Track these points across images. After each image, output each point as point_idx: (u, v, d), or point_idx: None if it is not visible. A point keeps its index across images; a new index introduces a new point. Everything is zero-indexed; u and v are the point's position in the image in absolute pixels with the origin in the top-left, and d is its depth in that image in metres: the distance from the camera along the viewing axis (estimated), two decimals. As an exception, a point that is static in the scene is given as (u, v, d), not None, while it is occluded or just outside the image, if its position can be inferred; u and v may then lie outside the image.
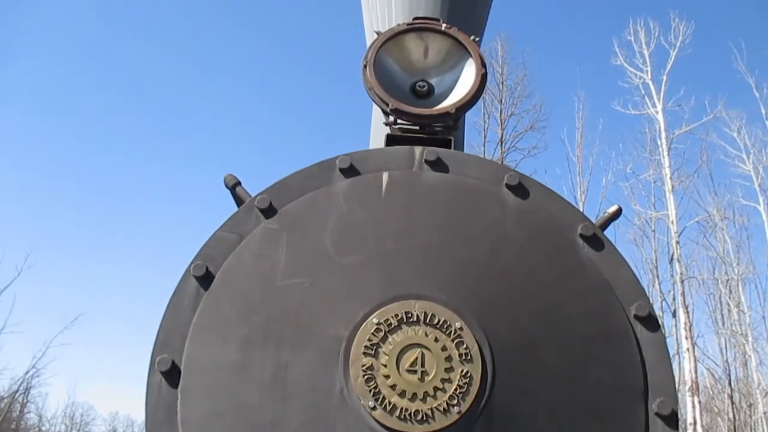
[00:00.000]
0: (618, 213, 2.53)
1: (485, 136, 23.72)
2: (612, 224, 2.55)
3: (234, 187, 2.52)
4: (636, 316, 2.19)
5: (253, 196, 2.40)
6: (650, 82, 22.46)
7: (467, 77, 2.66)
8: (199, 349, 2.13)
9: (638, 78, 22.86)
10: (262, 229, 2.32)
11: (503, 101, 23.83)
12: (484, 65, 2.63)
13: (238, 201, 2.55)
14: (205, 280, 2.25)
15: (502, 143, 23.50)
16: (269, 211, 2.35)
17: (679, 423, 2.09)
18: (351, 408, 1.94)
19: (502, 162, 23.05)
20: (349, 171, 2.42)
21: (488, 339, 2.03)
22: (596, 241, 2.32)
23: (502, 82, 24.14)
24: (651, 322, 2.20)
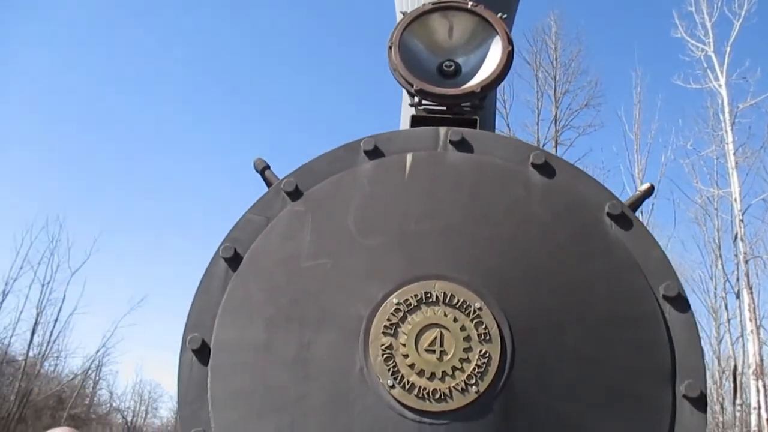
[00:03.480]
0: (650, 191, 2.46)
1: (539, 115, 23.23)
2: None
3: (263, 170, 2.57)
4: (665, 297, 2.14)
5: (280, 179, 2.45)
6: (713, 55, 21.39)
7: (494, 55, 2.63)
8: (228, 329, 2.21)
9: (700, 50, 21.79)
10: (289, 212, 2.36)
11: (557, 78, 23.22)
12: (510, 42, 2.58)
13: (268, 184, 2.61)
14: (234, 261, 2.32)
15: (556, 122, 22.96)
16: (295, 194, 2.39)
17: (708, 404, 2.03)
18: (370, 386, 1.97)
19: (556, 141, 22.57)
20: (374, 153, 2.44)
21: (508, 319, 2.02)
22: (624, 219, 2.27)
23: (556, 59, 23.51)
24: (680, 303, 2.14)
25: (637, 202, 2.43)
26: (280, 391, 2.05)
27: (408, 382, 1.95)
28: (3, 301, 25.83)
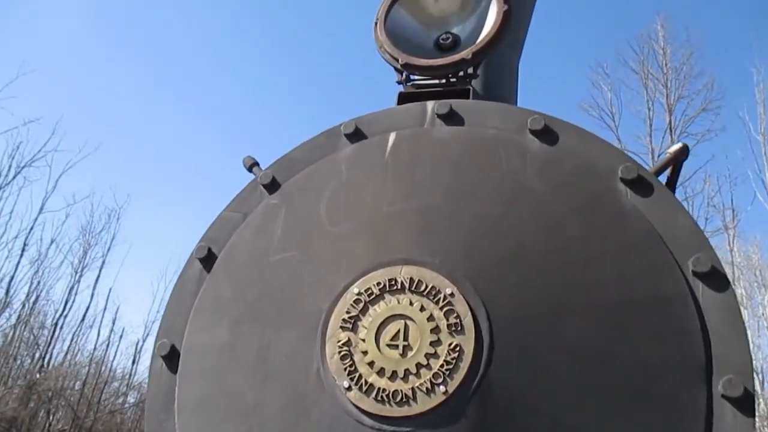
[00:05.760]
0: (683, 152, 2.04)
1: (651, 125, 21.74)
2: None
3: (251, 167, 2.43)
4: (695, 273, 1.71)
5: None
6: None
7: (491, 18, 2.33)
8: (197, 332, 2.04)
9: (832, 36, 19.62)
10: (264, 205, 2.19)
11: (668, 85, 21.71)
12: (506, 2, 2.28)
13: None
14: (208, 261, 2.16)
15: (671, 130, 21.35)
16: (272, 186, 2.22)
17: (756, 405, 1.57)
18: (327, 389, 1.71)
19: (673, 151, 20.96)
20: (354, 136, 2.21)
21: (486, 306, 1.69)
22: (643, 184, 1.87)
23: (666, 64, 21.99)
24: (716, 280, 1.71)
25: (666, 166, 2.02)
26: (240, 395, 1.84)
27: (366, 382, 1.67)
28: (144, 342, 27.72)
